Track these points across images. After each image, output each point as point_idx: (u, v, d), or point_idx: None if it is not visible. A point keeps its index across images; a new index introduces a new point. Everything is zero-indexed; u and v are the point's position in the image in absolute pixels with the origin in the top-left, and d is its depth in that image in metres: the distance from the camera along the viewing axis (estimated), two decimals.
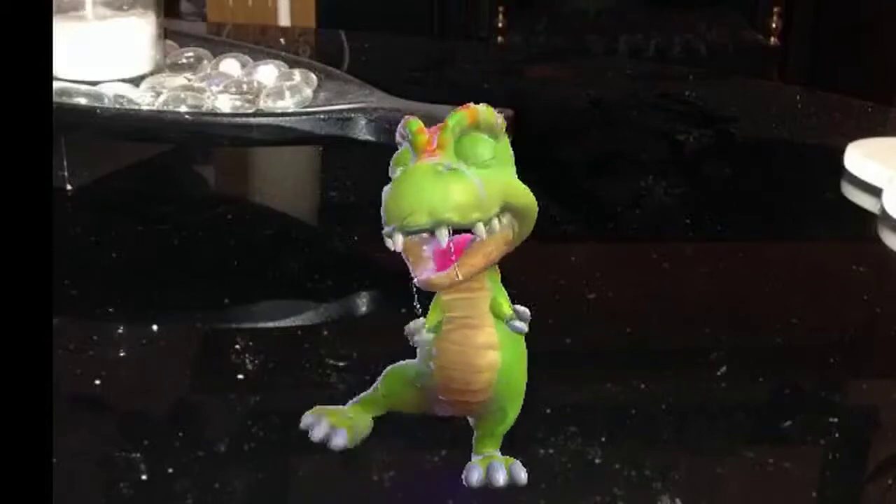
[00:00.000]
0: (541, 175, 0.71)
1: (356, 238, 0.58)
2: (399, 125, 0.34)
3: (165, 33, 0.66)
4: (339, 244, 0.58)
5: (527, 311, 0.35)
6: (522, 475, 0.36)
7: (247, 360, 0.45)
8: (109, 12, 0.63)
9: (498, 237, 0.34)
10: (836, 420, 0.43)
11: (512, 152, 0.35)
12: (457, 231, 0.33)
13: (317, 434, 0.37)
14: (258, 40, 0.95)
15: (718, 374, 0.46)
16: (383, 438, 0.38)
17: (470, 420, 0.37)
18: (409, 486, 0.37)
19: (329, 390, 0.43)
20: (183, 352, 0.48)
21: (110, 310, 0.50)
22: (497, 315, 0.35)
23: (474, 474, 0.36)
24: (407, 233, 0.33)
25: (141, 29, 0.63)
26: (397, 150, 0.35)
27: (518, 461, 0.36)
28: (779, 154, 0.74)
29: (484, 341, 0.35)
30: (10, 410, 0.31)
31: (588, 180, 0.70)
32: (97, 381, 0.44)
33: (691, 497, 0.37)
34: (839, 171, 0.67)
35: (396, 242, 0.33)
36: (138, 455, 0.39)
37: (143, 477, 0.38)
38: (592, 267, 0.56)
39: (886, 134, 0.74)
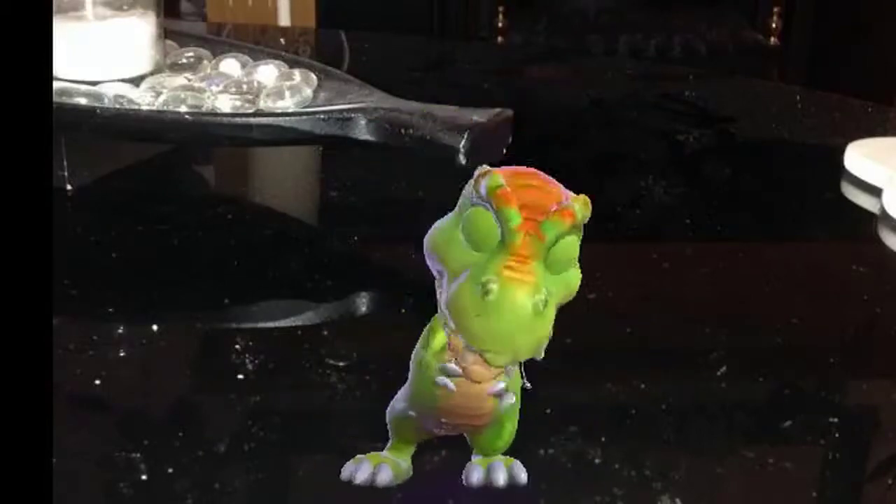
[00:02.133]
0: None
1: (356, 238, 0.58)
2: (482, 181, 0.31)
3: (165, 33, 0.66)
4: (339, 244, 0.58)
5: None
6: (523, 475, 0.36)
7: (247, 360, 0.45)
8: (109, 12, 0.63)
9: None
10: (836, 420, 0.43)
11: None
12: None
13: (360, 477, 0.36)
14: (258, 40, 0.95)
15: (718, 374, 0.46)
16: (383, 438, 0.38)
17: (467, 437, 0.37)
18: (410, 486, 0.37)
19: (329, 390, 0.43)
20: (183, 352, 0.48)
21: (110, 310, 0.50)
22: None
23: (475, 474, 0.36)
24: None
25: (141, 29, 0.63)
26: (464, 193, 0.32)
27: (518, 461, 0.36)
28: (779, 154, 0.74)
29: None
30: (11, 410, 0.31)
31: (588, 180, 0.70)
32: (97, 381, 0.44)
33: (691, 497, 0.37)
34: (839, 171, 0.67)
35: (466, 359, 0.32)
36: (138, 455, 0.39)
37: (143, 477, 0.38)
38: (592, 267, 0.56)
39: (886, 134, 0.74)
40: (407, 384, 0.35)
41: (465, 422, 0.35)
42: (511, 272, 0.31)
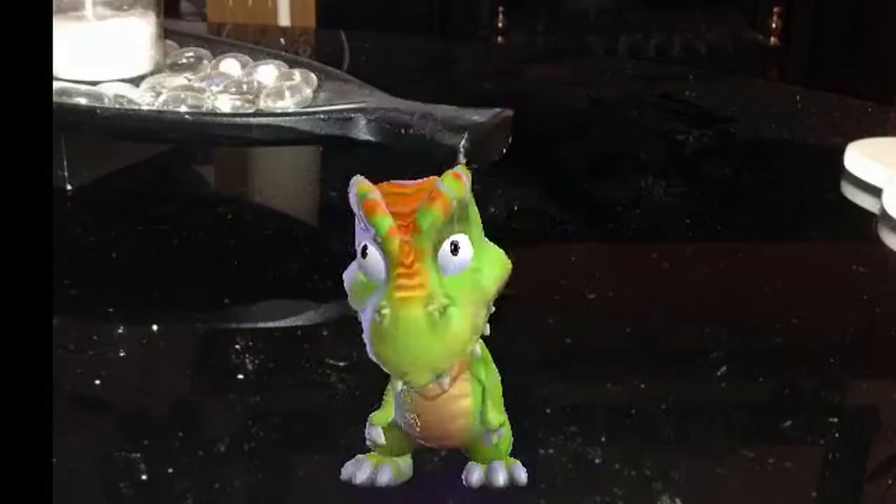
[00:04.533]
0: (541, 175, 0.71)
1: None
2: (350, 193, 0.31)
3: (165, 33, 0.66)
4: (339, 244, 0.58)
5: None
6: (523, 476, 0.36)
7: (247, 360, 0.45)
8: (109, 12, 0.63)
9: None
10: (836, 420, 0.43)
11: (478, 212, 0.32)
12: None
13: (360, 477, 0.36)
14: (258, 40, 0.95)
15: (718, 374, 0.46)
16: None
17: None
18: (410, 486, 0.37)
19: (329, 390, 0.43)
20: (183, 352, 0.48)
21: (110, 310, 0.50)
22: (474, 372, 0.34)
23: (474, 474, 0.36)
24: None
25: (141, 29, 0.63)
26: (354, 219, 0.32)
27: (518, 462, 0.36)
28: (779, 154, 0.74)
29: (457, 392, 0.34)
30: (10, 410, 0.31)
31: (588, 180, 0.70)
32: (97, 381, 0.44)
33: (691, 497, 0.37)
34: (839, 171, 0.67)
35: (396, 387, 0.33)
36: (138, 455, 0.39)
37: (143, 477, 0.38)
38: (592, 267, 0.56)
39: (886, 134, 0.74)
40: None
41: (446, 444, 0.36)
42: (400, 291, 0.30)
